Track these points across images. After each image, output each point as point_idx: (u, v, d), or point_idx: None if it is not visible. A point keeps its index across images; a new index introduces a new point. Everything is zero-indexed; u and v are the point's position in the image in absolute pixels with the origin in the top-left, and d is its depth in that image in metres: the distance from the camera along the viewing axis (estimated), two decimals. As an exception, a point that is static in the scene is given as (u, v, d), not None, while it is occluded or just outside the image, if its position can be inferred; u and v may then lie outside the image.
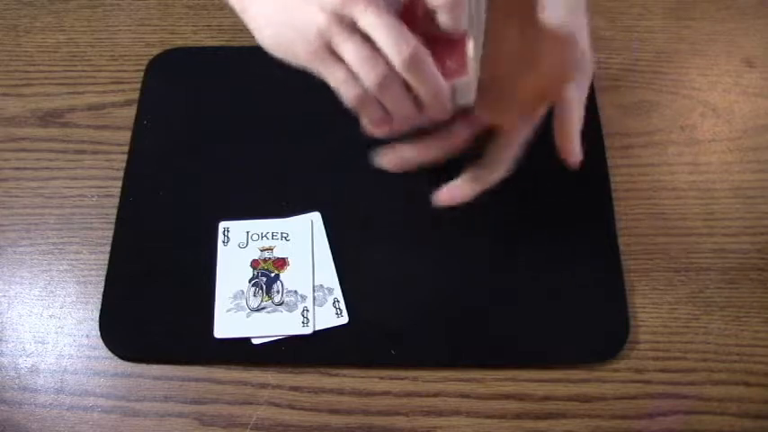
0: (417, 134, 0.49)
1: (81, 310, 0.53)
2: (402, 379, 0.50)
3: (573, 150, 0.48)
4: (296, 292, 0.52)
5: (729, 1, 0.68)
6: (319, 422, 0.49)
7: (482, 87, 0.45)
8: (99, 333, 0.51)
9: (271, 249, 0.54)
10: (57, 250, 0.55)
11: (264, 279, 0.53)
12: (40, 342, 0.52)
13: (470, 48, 0.43)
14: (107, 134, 0.60)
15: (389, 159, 0.50)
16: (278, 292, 0.52)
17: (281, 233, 0.55)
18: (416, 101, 0.43)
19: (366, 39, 0.41)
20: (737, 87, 0.63)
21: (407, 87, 0.42)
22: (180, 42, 0.65)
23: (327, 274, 0.53)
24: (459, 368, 0.51)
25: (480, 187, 0.50)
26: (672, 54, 0.65)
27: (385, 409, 0.50)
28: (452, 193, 0.50)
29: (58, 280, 0.54)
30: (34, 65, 0.64)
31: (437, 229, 0.55)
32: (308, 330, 0.51)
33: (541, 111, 0.49)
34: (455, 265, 0.54)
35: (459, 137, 0.50)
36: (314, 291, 0.52)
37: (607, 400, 0.50)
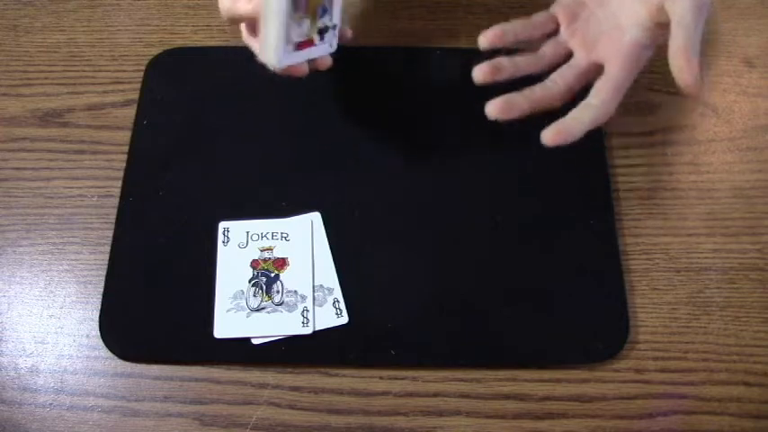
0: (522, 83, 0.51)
1: (81, 310, 0.53)
2: (402, 379, 0.50)
3: (684, 71, 0.45)
4: (296, 292, 0.52)
5: (729, 1, 0.68)
6: (319, 422, 0.49)
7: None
8: (99, 333, 0.51)
9: (271, 249, 0.54)
10: (57, 250, 0.55)
11: (264, 279, 0.53)
12: (39, 342, 0.52)
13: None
14: (107, 134, 0.60)
15: (496, 106, 0.49)
16: (278, 292, 0.52)
17: (281, 233, 0.55)
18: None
19: None
20: (737, 87, 0.63)
21: None
22: (180, 42, 0.65)
23: (327, 274, 0.53)
24: (459, 368, 0.51)
25: (589, 126, 0.49)
26: (672, 54, 0.65)
27: (385, 409, 0.50)
28: (564, 131, 0.48)
29: (58, 280, 0.54)
30: (34, 65, 0.64)
31: (437, 229, 0.55)
32: (308, 330, 0.51)
33: (649, 33, 0.49)
34: (455, 265, 0.54)
35: (563, 82, 0.51)
36: (314, 291, 0.52)
37: (607, 400, 0.50)
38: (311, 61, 0.53)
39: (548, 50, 0.53)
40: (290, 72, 0.52)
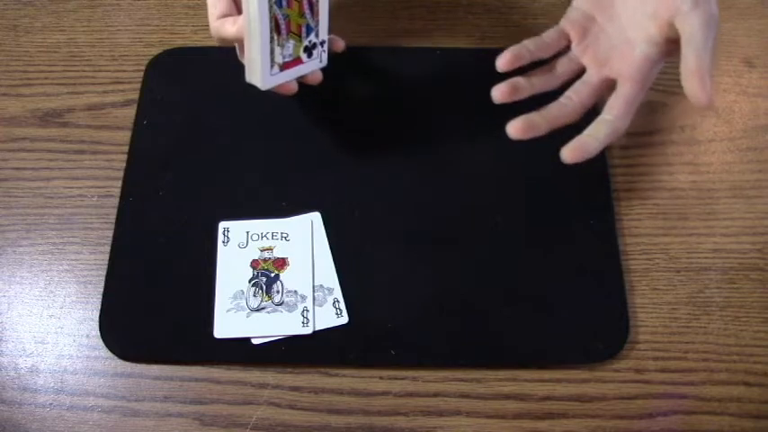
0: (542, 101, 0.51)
1: (81, 310, 0.53)
2: (402, 379, 0.50)
3: (698, 94, 0.46)
4: (296, 292, 0.52)
5: (729, 1, 0.68)
6: (319, 422, 0.49)
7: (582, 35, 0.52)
8: (99, 333, 0.51)
9: (271, 249, 0.54)
10: (57, 250, 0.55)
11: (264, 279, 0.53)
12: (40, 342, 0.52)
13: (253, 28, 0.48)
14: (107, 134, 0.60)
15: (517, 127, 0.50)
16: (278, 292, 0.52)
17: (281, 233, 0.55)
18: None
19: None
20: (737, 87, 0.63)
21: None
22: (180, 42, 0.65)
23: (327, 274, 0.53)
24: (459, 368, 0.51)
25: (605, 141, 0.49)
26: (672, 54, 0.65)
27: (385, 409, 0.50)
28: (581, 148, 0.49)
29: (58, 280, 0.54)
30: (34, 65, 0.64)
31: (437, 229, 0.55)
32: (308, 330, 0.51)
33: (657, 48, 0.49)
34: (455, 265, 0.54)
35: (578, 99, 0.51)
36: (314, 291, 0.52)
37: (607, 400, 0.50)
38: (301, 77, 0.53)
39: (561, 68, 0.53)
40: (279, 91, 0.53)
